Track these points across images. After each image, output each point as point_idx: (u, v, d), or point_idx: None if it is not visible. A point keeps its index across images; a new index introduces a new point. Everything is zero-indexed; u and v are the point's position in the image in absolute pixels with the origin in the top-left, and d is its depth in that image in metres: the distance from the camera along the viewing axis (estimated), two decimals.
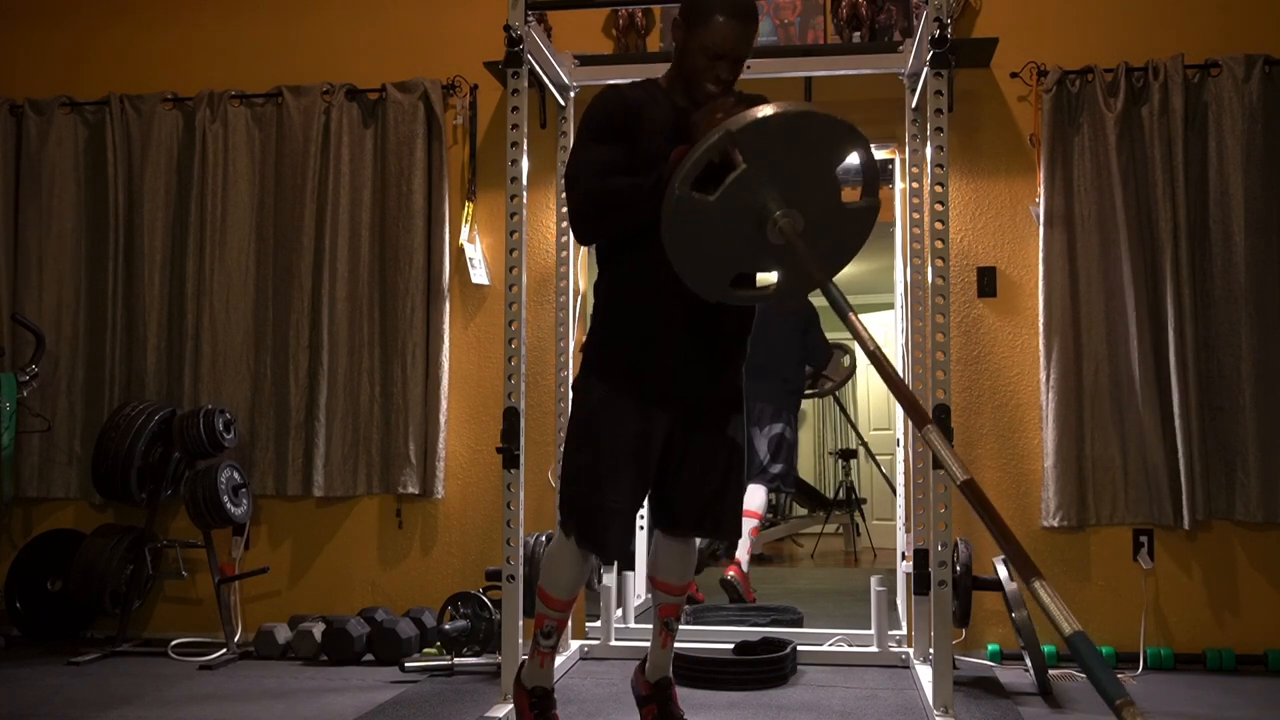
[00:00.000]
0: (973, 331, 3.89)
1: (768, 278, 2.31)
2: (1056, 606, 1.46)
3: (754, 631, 3.76)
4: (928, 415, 1.84)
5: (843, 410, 6.91)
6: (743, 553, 4.30)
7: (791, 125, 2.10)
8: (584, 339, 2.52)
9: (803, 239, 2.10)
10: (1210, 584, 3.73)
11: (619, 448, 2.40)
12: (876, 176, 2.23)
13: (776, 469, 4.54)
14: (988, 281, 3.89)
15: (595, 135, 2.42)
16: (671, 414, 2.44)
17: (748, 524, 4.22)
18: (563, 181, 3.79)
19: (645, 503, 2.65)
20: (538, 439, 3.87)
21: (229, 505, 3.87)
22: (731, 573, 4.26)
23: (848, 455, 6.80)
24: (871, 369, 5.92)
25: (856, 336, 1.93)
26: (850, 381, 6.24)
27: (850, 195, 2.24)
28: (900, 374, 3.76)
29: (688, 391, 2.45)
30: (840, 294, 2.02)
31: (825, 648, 3.70)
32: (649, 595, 2.76)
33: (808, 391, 5.08)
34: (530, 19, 3.16)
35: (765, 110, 2.06)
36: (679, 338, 2.41)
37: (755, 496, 4.42)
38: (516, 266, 3.13)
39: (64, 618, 4.11)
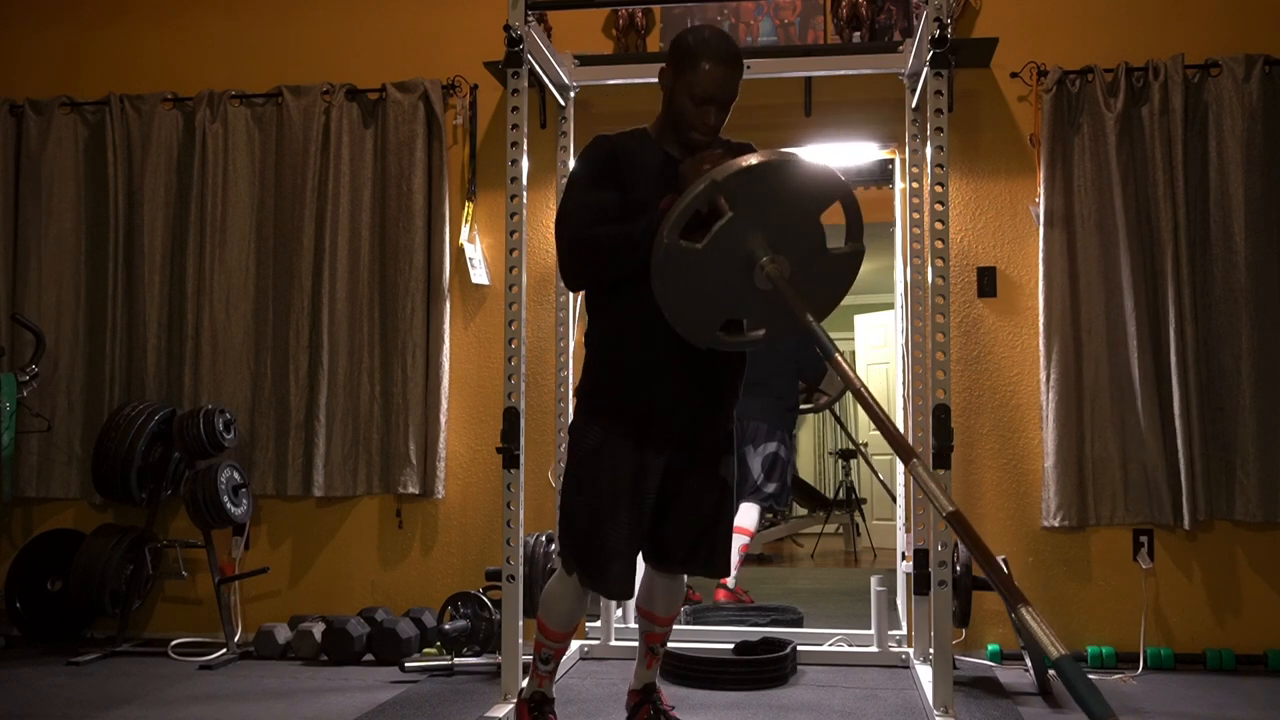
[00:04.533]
0: (973, 331, 3.89)
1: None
2: (1042, 632, 1.49)
3: (754, 631, 3.76)
4: (914, 450, 1.91)
5: (839, 422, 6.91)
6: (731, 571, 4.30)
7: (776, 174, 2.16)
8: (579, 383, 2.55)
9: (789, 284, 2.15)
10: (1210, 584, 3.73)
11: (617, 488, 2.43)
12: (861, 222, 2.27)
13: (770, 488, 4.54)
14: (988, 281, 3.89)
15: (584, 183, 2.47)
16: (666, 455, 2.47)
17: (738, 540, 4.23)
18: (563, 182, 3.80)
19: None
20: (538, 439, 3.88)
21: (229, 505, 3.87)
22: (722, 598, 4.28)
23: (848, 455, 6.80)
24: (869, 373, 5.95)
25: (843, 377, 2.00)
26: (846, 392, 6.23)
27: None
28: (900, 375, 3.78)
29: (681, 433, 2.48)
30: (827, 337, 2.08)
31: (825, 648, 3.70)
32: (637, 622, 2.81)
33: (803, 406, 5.07)
34: (530, 19, 3.16)
35: (751, 159, 2.13)
36: (672, 381, 2.44)
37: (748, 515, 4.43)
38: (516, 266, 3.13)
39: (64, 618, 4.10)
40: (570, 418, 2.77)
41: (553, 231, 2.46)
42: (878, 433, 6.52)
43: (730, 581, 4.30)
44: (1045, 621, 1.51)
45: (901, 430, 3.96)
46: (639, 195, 2.40)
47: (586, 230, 2.41)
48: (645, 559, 2.60)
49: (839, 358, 2.02)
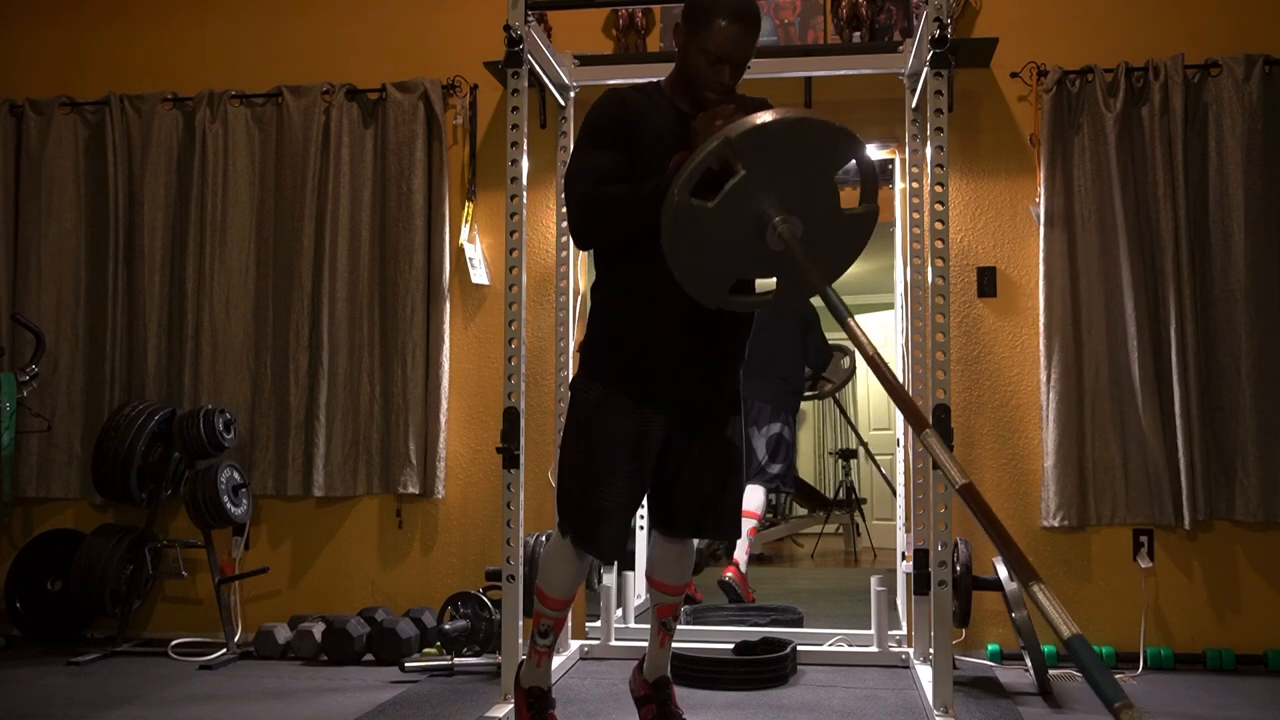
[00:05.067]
0: (973, 331, 3.89)
1: (767, 283, 2.32)
2: (1055, 610, 1.46)
3: (754, 631, 3.76)
4: (926, 420, 1.85)
5: (842, 411, 6.91)
6: (741, 553, 4.30)
7: (790, 132, 2.10)
8: (582, 340, 2.52)
9: (802, 245, 2.10)
10: (1210, 584, 3.73)
11: (616, 448, 2.41)
12: (876, 182, 2.24)
13: (775, 469, 4.54)
14: (988, 281, 3.90)
15: (594, 139, 2.43)
16: (669, 416, 2.45)
17: (746, 524, 4.22)
18: (563, 182, 3.80)
19: (644, 502, 2.66)
20: (538, 439, 3.88)
21: (229, 505, 3.87)
22: (730, 574, 4.26)
23: (848, 455, 6.80)
24: (869, 373, 5.94)
25: (855, 342, 1.93)
26: (850, 382, 6.24)
27: (850, 200, 2.24)
28: (900, 375, 3.78)
29: (686, 394, 2.46)
30: (839, 300, 2.02)
31: (825, 648, 3.70)
32: (649, 595, 2.77)
33: (807, 393, 5.07)
34: (530, 19, 3.16)
35: (764, 117, 2.07)
36: (677, 340, 2.41)
37: (754, 497, 4.42)
38: (516, 266, 3.13)
39: (64, 618, 4.10)
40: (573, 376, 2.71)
41: (553, 232, 2.45)
42: (878, 431, 6.55)
43: (742, 563, 4.29)
44: (1057, 599, 1.49)
45: (901, 435, 3.98)
46: (650, 153, 2.36)
47: (597, 189, 2.37)
48: (654, 525, 2.58)
49: (852, 322, 1.96)
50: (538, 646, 2.64)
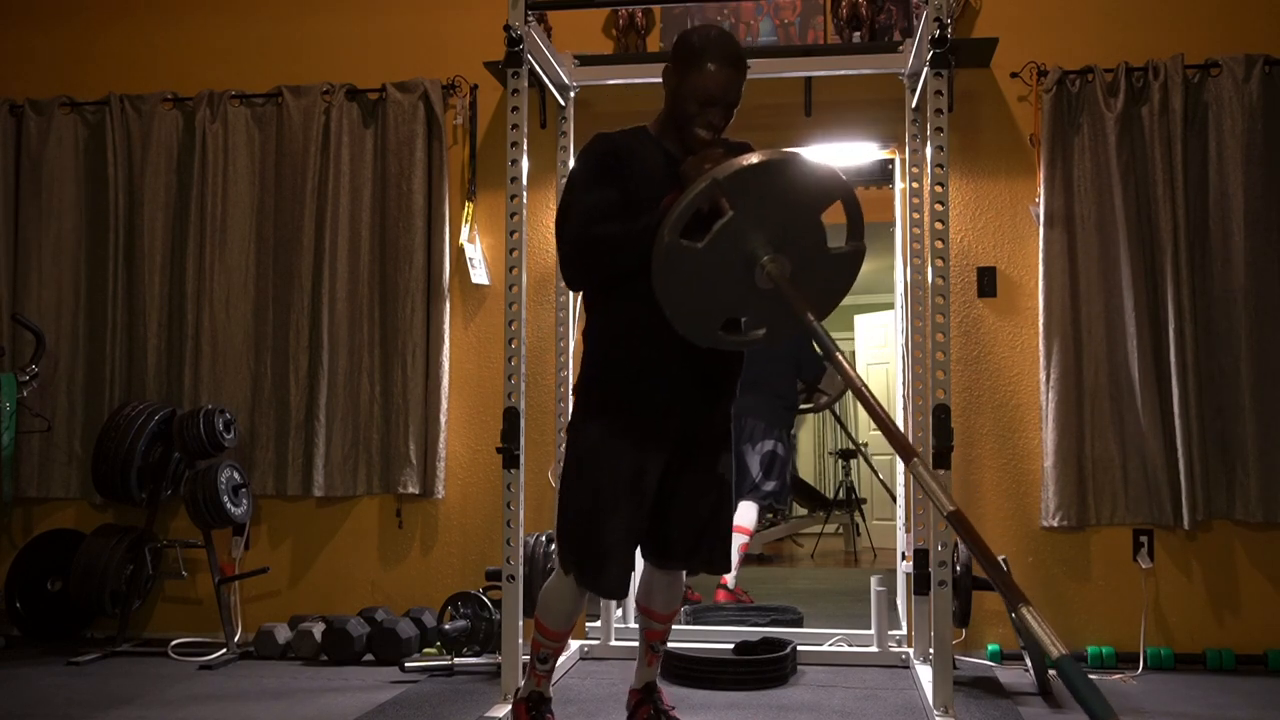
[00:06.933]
0: (973, 331, 3.89)
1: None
2: (1043, 632, 1.49)
3: (754, 631, 3.76)
4: (915, 450, 1.91)
5: (839, 421, 6.91)
6: (731, 571, 4.31)
7: (778, 172, 2.17)
8: (576, 381, 2.55)
9: (790, 283, 2.15)
10: (1210, 584, 3.73)
11: (616, 487, 2.43)
12: (861, 221, 2.28)
13: (769, 486, 4.54)
14: (988, 281, 3.90)
15: (585, 182, 2.46)
16: (665, 452, 2.47)
17: (738, 539, 4.22)
18: (563, 182, 3.80)
19: None
20: (538, 439, 3.88)
21: (229, 505, 3.87)
22: (722, 599, 4.28)
23: (848, 455, 6.80)
24: (869, 373, 5.95)
25: (843, 375, 2.02)
26: (846, 392, 6.24)
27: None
28: (900, 375, 3.78)
29: (680, 430, 2.48)
30: (827, 337, 2.09)
31: (825, 648, 3.70)
32: (638, 620, 2.81)
33: (803, 406, 5.07)
34: (530, 19, 3.16)
35: (752, 158, 2.14)
36: (671, 378, 2.44)
37: (747, 513, 4.42)
38: (516, 266, 3.14)
39: (64, 618, 4.10)
40: (569, 416, 2.77)
41: (553, 232, 2.46)
42: (878, 432, 6.53)
43: (730, 581, 4.30)
44: (1045, 621, 1.51)
45: (901, 430, 3.98)
46: (640, 194, 2.40)
47: (587, 229, 2.40)
48: (645, 557, 2.61)
49: (840, 357, 2.03)
50: (537, 670, 2.68)
